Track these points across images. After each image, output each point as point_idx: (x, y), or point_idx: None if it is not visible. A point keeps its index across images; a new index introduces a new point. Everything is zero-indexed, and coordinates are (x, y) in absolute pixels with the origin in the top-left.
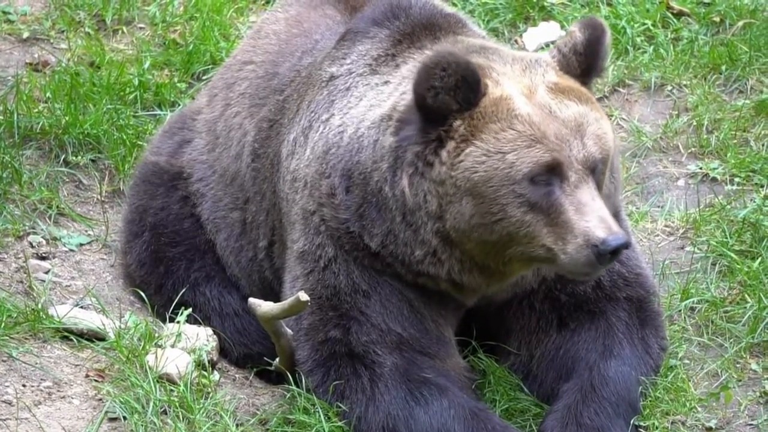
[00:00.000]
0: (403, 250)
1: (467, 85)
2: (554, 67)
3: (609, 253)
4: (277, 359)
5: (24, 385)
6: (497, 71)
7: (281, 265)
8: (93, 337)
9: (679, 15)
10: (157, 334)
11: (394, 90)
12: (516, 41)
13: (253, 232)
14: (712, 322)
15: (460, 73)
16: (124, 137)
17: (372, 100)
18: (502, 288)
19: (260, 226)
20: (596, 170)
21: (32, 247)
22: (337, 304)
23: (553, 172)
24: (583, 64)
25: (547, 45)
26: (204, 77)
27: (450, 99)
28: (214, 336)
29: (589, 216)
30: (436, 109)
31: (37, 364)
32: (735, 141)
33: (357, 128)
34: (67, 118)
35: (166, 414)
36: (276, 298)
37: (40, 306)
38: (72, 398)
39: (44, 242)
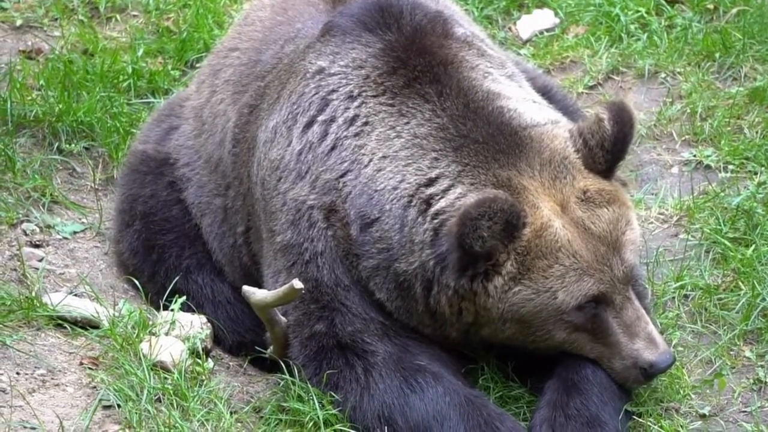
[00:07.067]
0: (413, 321)
1: (512, 226)
2: (580, 169)
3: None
4: (271, 347)
5: (18, 373)
6: (531, 191)
7: (258, 250)
8: (87, 324)
9: (672, 2)
10: (151, 322)
11: (409, 157)
12: (510, 28)
13: (232, 218)
14: (706, 309)
15: (505, 217)
16: (118, 125)
17: (384, 147)
18: None
19: (238, 212)
20: (633, 274)
21: (26, 234)
22: (318, 296)
23: (598, 299)
24: (609, 161)
25: (541, 33)
26: (197, 65)
27: (498, 243)
28: (208, 324)
29: (637, 338)
30: (483, 254)
31: (31, 351)
32: (729, 128)
33: (373, 178)
34: (60, 106)
35: (160, 402)
36: (255, 283)
37: (33, 294)
38: (66, 386)
39: (38, 230)
